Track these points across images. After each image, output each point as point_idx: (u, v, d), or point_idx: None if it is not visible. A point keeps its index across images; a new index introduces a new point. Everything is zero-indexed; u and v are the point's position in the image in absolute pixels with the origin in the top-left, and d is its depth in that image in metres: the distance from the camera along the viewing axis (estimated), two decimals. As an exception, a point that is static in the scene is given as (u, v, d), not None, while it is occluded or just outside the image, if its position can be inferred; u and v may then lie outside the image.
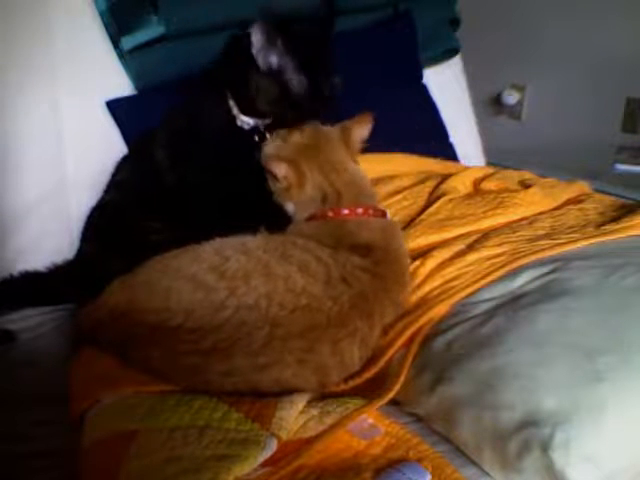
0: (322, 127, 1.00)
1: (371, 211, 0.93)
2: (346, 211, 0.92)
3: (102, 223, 1.12)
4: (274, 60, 1.02)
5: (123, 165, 1.16)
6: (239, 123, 1.06)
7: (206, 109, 1.09)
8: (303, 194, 0.93)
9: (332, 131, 0.99)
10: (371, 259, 0.85)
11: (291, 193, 0.94)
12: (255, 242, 0.86)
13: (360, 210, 0.92)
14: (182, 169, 1.07)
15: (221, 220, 0.98)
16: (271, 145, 0.99)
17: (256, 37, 1.00)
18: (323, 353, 0.76)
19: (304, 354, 0.75)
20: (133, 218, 1.07)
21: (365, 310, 0.80)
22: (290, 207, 0.96)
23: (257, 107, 1.05)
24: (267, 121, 1.06)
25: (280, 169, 0.91)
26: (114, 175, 1.15)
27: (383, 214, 0.95)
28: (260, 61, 1.02)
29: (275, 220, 0.96)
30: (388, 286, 0.85)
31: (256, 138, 1.06)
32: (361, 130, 0.99)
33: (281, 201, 0.97)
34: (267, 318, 0.75)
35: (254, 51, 1.01)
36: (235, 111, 1.06)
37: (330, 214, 0.92)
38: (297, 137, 0.97)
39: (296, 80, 1.03)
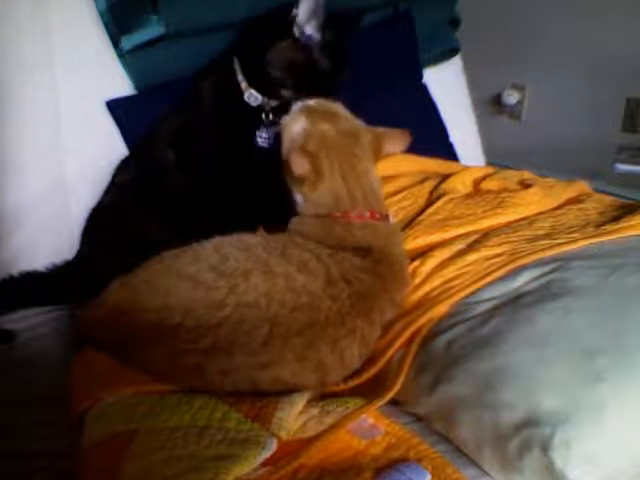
0: (357, 120, 0.96)
1: (377, 215, 0.92)
2: (353, 214, 0.90)
3: (102, 225, 1.12)
4: (310, 32, 1.02)
5: (123, 167, 1.16)
6: (246, 97, 1.06)
7: (212, 82, 1.10)
8: (315, 194, 0.90)
9: (365, 131, 0.94)
10: (370, 259, 0.85)
11: (302, 189, 0.91)
12: (255, 240, 0.86)
13: (367, 214, 0.91)
14: (190, 164, 1.07)
15: (224, 218, 0.98)
16: (298, 121, 0.93)
17: (306, 5, 1.01)
18: (323, 351, 0.76)
19: (304, 351, 0.75)
20: (133, 219, 1.07)
21: (364, 308, 0.80)
22: (298, 197, 0.93)
23: (274, 77, 1.05)
24: (273, 103, 1.06)
25: (302, 166, 0.86)
26: (114, 177, 1.15)
27: (387, 217, 0.94)
28: (297, 30, 1.02)
29: (277, 218, 0.96)
30: (387, 285, 0.85)
31: (263, 116, 1.06)
32: (394, 146, 0.96)
33: (291, 188, 0.94)
34: (267, 316, 0.75)
35: (298, 19, 1.02)
36: (244, 85, 1.06)
37: (337, 214, 0.90)
38: (327, 126, 0.92)
39: (321, 60, 1.04)
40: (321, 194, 0.90)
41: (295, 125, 0.93)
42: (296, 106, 0.97)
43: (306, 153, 0.87)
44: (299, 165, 0.86)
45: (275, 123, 1.07)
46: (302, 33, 1.04)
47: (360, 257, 0.85)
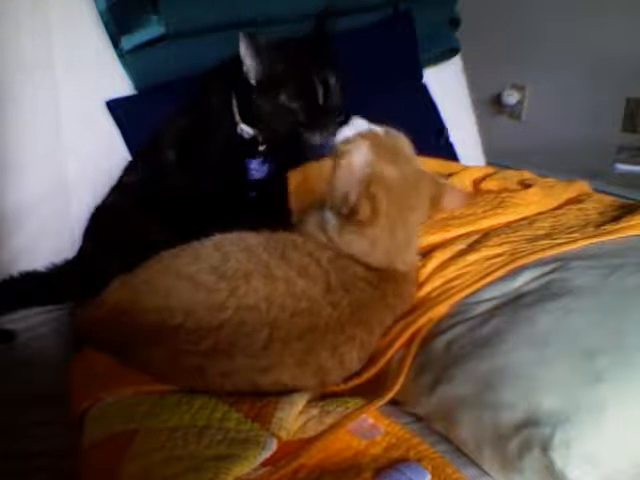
0: (420, 163, 0.87)
1: None
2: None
3: (104, 224, 1.12)
4: (262, 75, 1.01)
5: (130, 168, 1.17)
6: (239, 131, 1.06)
7: (212, 112, 1.09)
8: (354, 232, 0.82)
9: (427, 180, 0.86)
10: (375, 273, 0.83)
11: (347, 225, 0.82)
12: (255, 240, 0.85)
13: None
14: (190, 167, 1.08)
15: (224, 220, 0.98)
16: (361, 151, 0.81)
17: (245, 54, 0.99)
18: (322, 356, 0.76)
19: (304, 356, 0.75)
20: (134, 220, 1.07)
21: (364, 317, 0.80)
22: (330, 216, 0.84)
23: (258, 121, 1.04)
24: (265, 135, 1.06)
25: (365, 211, 0.78)
26: (121, 177, 1.16)
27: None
28: (251, 76, 1.01)
29: (277, 221, 0.95)
30: (388, 301, 0.83)
31: (260, 148, 1.06)
32: (452, 204, 0.90)
33: (324, 206, 0.84)
34: (267, 320, 0.75)
35: (245, 69, 1.00)
36: (237, 118, 1.06)
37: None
38: (393, 170, 0.82)
39: (287, 99, 1.01)
40: (362, 235, 0.83)
41: (357, 155, 0.82)
42: (359, 124, 0.87)
43: (371, 197, 0.79)
44: (363, 210, 0.78)
45: (268, 154, 1.06)
46: (256, 78, 1.03)
47: (365, 267, 0.83)
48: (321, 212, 0.87)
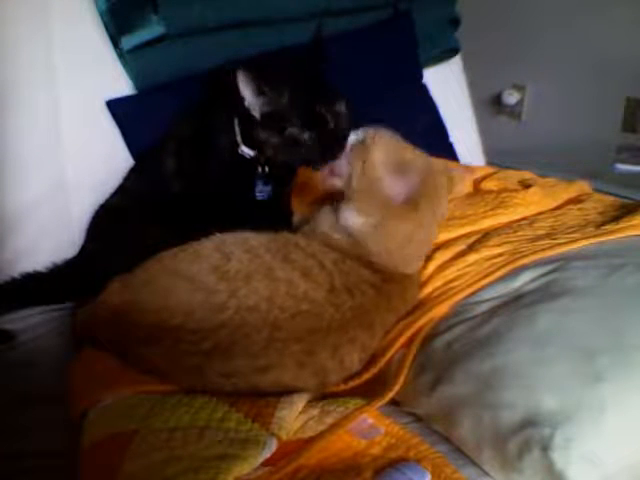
0: (438, 176, 0.90)
1: None
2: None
3: (105, 224, 1.12)
4: (266, 109, 1.00)
5: (132, 171, 1.17)
6: (240, 151, 1.06)
7: (215, 125, 1.09)
8: (383, 229, 0.84)
9: (440, 172, 0.90)
10: (380, 276, 0.84)
11: (390, 218, 0.83)
12: (257, 240, 0.85)
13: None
14: (188, 176, 1.08)
15: (223, 224, 0.98)
16: (387, 168, 0.84)
17: (244, 90, 0.98)
18: (322, 357, 0.76)
19: (304, 357, 0.75)
20: (136, 221, 1.07)
21: (366, 321, 0.80)
22: (352, 215, 0.86)
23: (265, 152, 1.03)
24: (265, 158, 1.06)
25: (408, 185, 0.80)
26: (123, 180, 1.16)
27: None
28: (255, 113, 1.00)
29: (276, 225, 0.95)
30: (392, 305, 0.84)
31: (260, 169, 1.05)
32: (462, 186, 0.93)
33: (345, 201, 0.87)
34: (267, 321, 0.75)
35: (246, 104, 1.00)
36: (239, 139, 1.06)
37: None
38: (415, 174, 0.85)
39: (296, 131, 0.99)
40: (405, 221, 0.85)
41: (376, 153, 0.87)
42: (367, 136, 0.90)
43: (411, 179, 0.81)
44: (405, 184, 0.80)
45: (270, 176, 1.06)
46: (260, 113, 1.00)
47: (371, 270, 0.83)
48: (333, 212, 0.88)
